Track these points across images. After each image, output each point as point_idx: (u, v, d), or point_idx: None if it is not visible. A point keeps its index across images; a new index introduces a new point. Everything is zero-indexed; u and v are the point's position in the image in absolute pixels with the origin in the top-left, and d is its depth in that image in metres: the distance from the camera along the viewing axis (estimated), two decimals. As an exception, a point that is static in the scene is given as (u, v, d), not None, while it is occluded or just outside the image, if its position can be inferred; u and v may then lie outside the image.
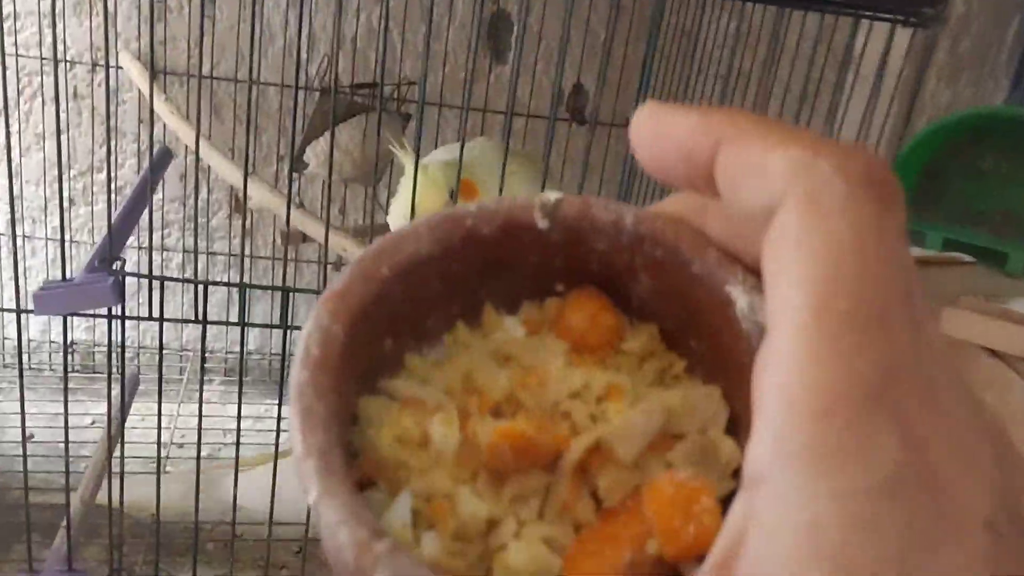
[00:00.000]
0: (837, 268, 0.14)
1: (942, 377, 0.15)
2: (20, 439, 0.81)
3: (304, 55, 1.31)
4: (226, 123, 1.33)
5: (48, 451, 1.30)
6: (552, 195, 0.21)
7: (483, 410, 0.19)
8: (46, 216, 1.38)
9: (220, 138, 1.30)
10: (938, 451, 0.14)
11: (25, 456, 0.73)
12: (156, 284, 0.74)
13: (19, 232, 1.38)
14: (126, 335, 0.74)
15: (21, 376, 0.68)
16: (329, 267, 1.54)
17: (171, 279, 0.79)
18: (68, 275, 0.75)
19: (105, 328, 1.49)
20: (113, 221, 0.82)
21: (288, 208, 0.77)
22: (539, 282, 0.22)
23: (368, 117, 1.20)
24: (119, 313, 0.76)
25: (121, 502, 0.78)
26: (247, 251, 1.45)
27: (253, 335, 1.52)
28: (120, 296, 0.75)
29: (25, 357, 1.46)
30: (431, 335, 0.22)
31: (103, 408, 1.09)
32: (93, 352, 1.47)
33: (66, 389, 0.78)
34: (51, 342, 1.42)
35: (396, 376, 0.21)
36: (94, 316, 0.77)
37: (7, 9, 1.25)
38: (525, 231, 0.21)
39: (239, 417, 0.78)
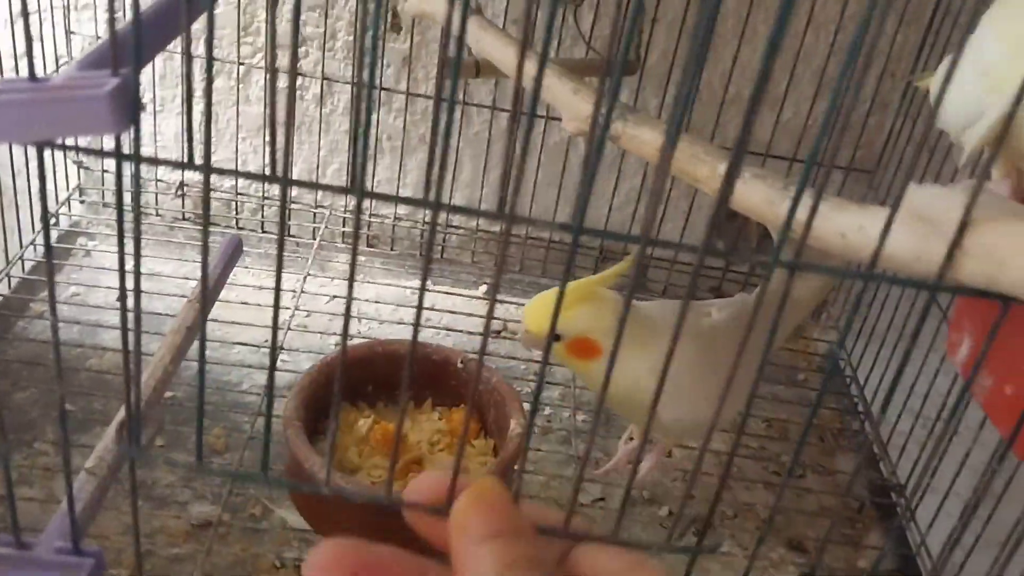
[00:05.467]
0: None
1: None
2: (109, 302, 0.54)
3: None
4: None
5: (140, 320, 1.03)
6: (469, 356, 0.80)
7: (384, 425, 0.77)
8: None
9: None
10: None
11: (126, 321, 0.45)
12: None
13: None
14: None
15: (121, 231, 0.37)
16: (521, 119, 1.17)
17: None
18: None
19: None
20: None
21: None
22: (451, 394, 0.81)
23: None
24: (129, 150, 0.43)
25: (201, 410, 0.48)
26: (404, 86, 1.11)
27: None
28: (129, 116, 0.42)
29: (127, 197, 1.20)
30: (369, 402, 0.80)
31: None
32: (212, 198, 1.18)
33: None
34: (157, 180, 1.14)
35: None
36: (164, 164, 0.45)
37: None
38: (452, 365, 0.79)
39: (349, 300, 0.45)
